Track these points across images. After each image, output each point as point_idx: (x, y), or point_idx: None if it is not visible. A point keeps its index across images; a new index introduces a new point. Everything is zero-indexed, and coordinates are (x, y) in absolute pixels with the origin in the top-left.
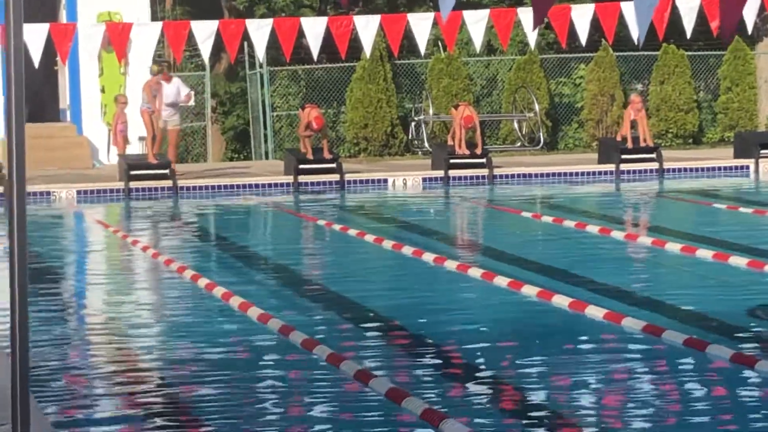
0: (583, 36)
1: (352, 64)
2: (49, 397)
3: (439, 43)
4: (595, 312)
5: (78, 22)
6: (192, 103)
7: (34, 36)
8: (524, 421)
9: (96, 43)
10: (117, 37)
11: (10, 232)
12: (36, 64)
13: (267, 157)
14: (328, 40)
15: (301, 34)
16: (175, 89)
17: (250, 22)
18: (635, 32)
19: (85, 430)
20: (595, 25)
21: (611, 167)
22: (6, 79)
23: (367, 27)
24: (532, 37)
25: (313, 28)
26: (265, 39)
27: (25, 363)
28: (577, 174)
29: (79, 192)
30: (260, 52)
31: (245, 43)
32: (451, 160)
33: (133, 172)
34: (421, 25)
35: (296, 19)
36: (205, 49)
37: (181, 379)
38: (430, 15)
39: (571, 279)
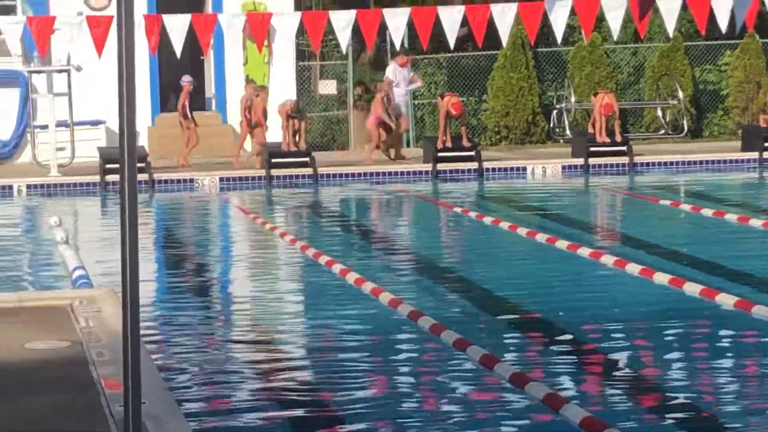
0: (723, 23)
1: (493, 52)
2: (182, 381)
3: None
4: (726, 300)
5: (222, 12)
6: (419, 84)
7: (176, 27)
8: (655, 406)
9: (237, 33)
10: (257, 27)
11: (121, 215)
12: (178, 55)
13: (409, 145)
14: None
15: (439, 23)
16: (408, 73)
17: (387, 11)
18: None
19: (222, 417)
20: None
21: (755, 155)
22: (118, 65)
23: (504, 15)
24: (670, 24)
25: (450, 17)
26: (402, 28)
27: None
28: (719, 162)
29: (221, 179)
30: (397, 41)
31: (387, 32)
32: (591, 148)
33: (274, 160)
34: (557, 13)
35: (433, 8)
36: (344, 39)
37: (312, 361)
38: (568, 2)
39: (704, 267)
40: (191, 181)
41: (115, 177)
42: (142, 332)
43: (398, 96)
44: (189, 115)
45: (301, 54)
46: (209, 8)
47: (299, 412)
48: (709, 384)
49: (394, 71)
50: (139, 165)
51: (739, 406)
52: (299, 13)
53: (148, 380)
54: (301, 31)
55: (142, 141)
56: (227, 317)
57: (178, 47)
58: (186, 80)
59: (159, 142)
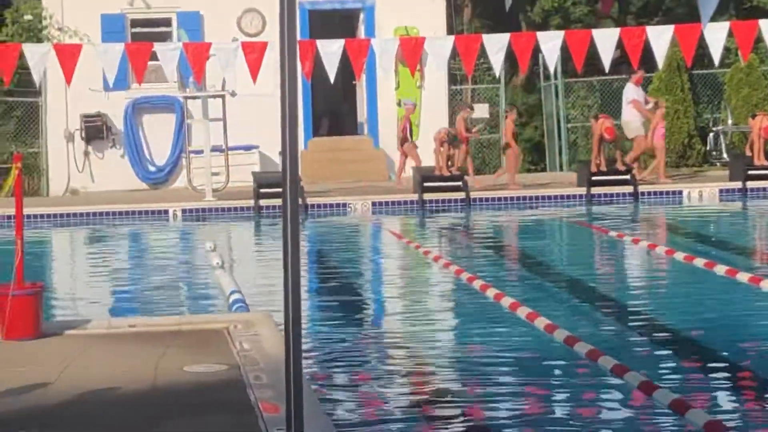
0: None
1: (648, 74)
2: (338, 405)
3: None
4: None
5: (375, 37)
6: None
7: (330, 52)
8: None
9: (390, 57)
10: (410, 51)
11: (284, 240)
12: (332, 80)
13: (561, 169)
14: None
15: (593, 45)
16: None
17: (541, 34)
18: None
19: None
20: None
21: None
22: (281, 93)
23: (660, 37)
24: None
25: (605, 40)
26: (557, 51)
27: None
28: None
29: (374, 203)
30: (551, 64)
31: (540, 55)
32: (749, 171)
33: (426, 184)
34: (715, 34)
35: (587, 31)
36: (497, 62)
37: (467, 387)
38: (725, 25)
39: None
40: (344, 205)
41: (269, 201)
42: None
43: (634, 115)
44: (409, 138)
45: (453, 78)
46: (362, 33)
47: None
48: None
49: (635, 91)
50: None
51: None
52: (452, 37)
53: (306, 406)
54: (453, 55)
55: None
56: (382, 341)
57: (332, 72)
58: (409, 104)
59: (311, 167)
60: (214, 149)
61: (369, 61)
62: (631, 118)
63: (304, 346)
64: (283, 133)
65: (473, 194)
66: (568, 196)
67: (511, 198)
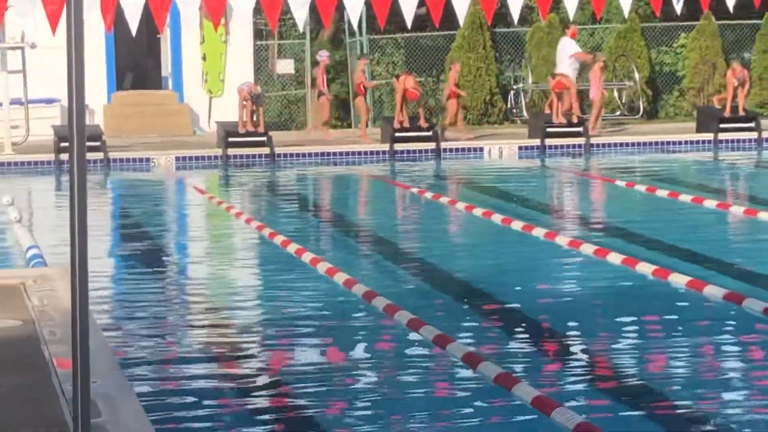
0: (677, 4)
1: (452, 32)
2: (136, 361)
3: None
4: (678, 279)
5: None
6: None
7: (132, 4)
8: (606, 384)
9: (193, 11)
10: (213, 5)
11: (71, 194)
12: (134, 33)
13: (367, 126)
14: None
15: (397, 2)
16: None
17: None
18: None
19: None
20: None
21: (709, 136)
22: (67, 45)
23: None
24: (626, 5)
25: None
26: (360, 6)
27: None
28: (674, 143)
29: (177, 158)
30: (354, 20)
31: (344, 11)
32: (548, 129)
33: (231, 139)
34: None
35: None
36: (300, 17)
37: (265, 341)
38: None
39: (658, 247)
40: (147, 160)
41: None
42: (96, 311)
43: (572, 70)
44: (326, 90)
45: (259, 33)
46: None
47: (251, 391)
48: (660, 362)
49: (573, 44)
50: (94, 144)
51: (687, 382)
52: None
53: (100, 359)
54: (258, 10)
55: (98, 119)
56: (181, 296)
57: (133, 25)
58: (324, 55)
59: (115, 121)
60: (14, 102)
61: (173, 15)
62: (568, 72)
63: (102, 303)
64: (69, 87)
65: (278, 149)
66: (372, 152)
67: (316, 153)
